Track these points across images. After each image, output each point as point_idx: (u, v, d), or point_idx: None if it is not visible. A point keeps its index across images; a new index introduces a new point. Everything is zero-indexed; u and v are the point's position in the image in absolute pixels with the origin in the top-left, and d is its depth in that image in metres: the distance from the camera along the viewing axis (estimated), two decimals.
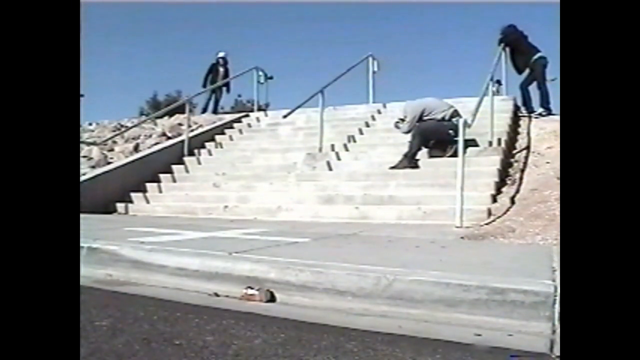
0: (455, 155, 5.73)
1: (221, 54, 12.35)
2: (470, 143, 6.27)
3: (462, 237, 4.10)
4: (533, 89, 8.22)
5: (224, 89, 12.37)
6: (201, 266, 2.68)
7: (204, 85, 11.97)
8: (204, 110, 11.98)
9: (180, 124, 9.58)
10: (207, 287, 2.54)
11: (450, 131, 6.34)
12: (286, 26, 51.23)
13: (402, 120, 6.88)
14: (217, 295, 2.47)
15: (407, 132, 6.68)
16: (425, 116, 6.57)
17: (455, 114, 6.50)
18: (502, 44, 8.15)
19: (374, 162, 6.85)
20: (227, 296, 2.44)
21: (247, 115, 10.41)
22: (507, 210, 5.06)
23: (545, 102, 8.05)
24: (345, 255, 2.92)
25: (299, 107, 7.83)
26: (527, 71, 8.21)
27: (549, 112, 7.96)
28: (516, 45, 8.24)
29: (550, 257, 2.94)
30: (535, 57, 8.10)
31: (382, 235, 4.17)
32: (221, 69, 12.20)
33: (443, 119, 6.50)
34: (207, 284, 2.57)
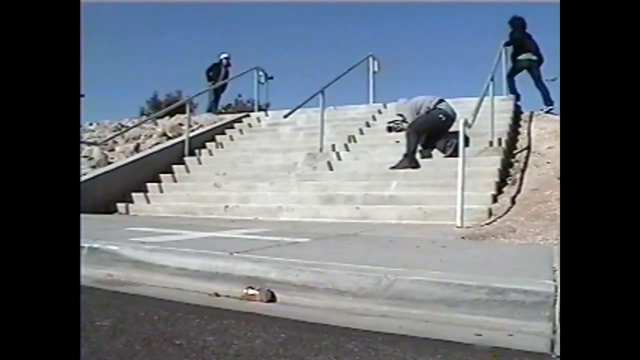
0: (455, 155, 5.73)
1: (224, 55, 12.38)
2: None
3: (462, 237, 4.10)
4: (524, 85, 8.73)
5: (222, 88, 12.41)
6: (202, 266, 2.68)
7: (209, 79, 12.04)
8: (209, 110, 12.02)
9: (180, 124, 9.58)
10: (207, 287, 2.54)
11: (440, 116, 6.50)
12: (286, 26, 51.22)
13: (402, 119, 6.93)
14: (217, 295, 2.47)
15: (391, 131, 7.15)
16: (417, 114, 6.67)
17: (440, 101, 6.68)
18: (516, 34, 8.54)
19: (375, 162, 6.85)
20: (227, 296, 2.44)
21: (247, 115, 10.42)
22: (508, 210, 5.06)
23: (514, 91, 8.72)
24: (346, 255, 2.92)
25: (299, 107, 7.84)
26: (519, 67, 8.63)
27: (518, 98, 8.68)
28: (526, 38, 8.63)
29: (551, 257, 2.94)
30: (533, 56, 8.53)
31: (383, 235, 4.17)
32: (222, 70, 12.23)
33: (428, 109, 6.63)
34: (208, 284, 2.57)
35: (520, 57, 8.52)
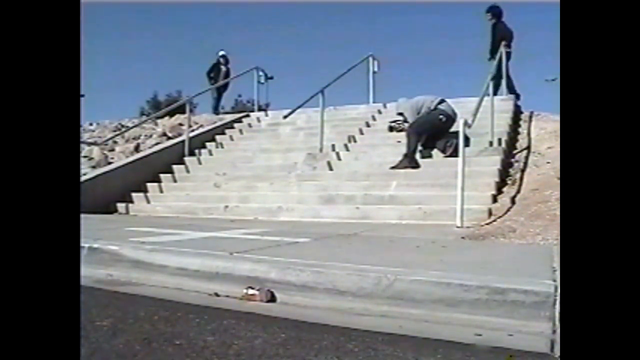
0: (455, 155, 5.73)
1: (221, 53, 12.42)
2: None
3: (462, 237, 4.10)
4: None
5: (224, 87, 12.45)
6: (202, 266, 2.68)
7: (210, 80, 12.07)
8: (215, 109, 12.03)
9: (180, 124, 9.59)
10: (207, 287, 2.54)
11: (441, 116, 6.54)
12: (286, 26, 51.25)
13: (404, 119, 6.94)
14: (217, 295, 2.47)
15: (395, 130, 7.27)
16: (418, 114, 6.69)
17: (441, 101, 6.69)
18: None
19: (375, 162, 6.85)
20: (227, 296, 2.44)
21: (247, 115, 10.42)
22: (508, 210, 5.06)
23: (514, 90, 8.58)
24: (346, 255, 2.92)
25: (299, 107, 7.84)
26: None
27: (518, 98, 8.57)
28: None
29: (551, 257, 2.94)
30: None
31: (383, 235, 4.17)
32: (223, 68, 12.26)
33: (429, 109, 6.64)
34: (208, 284, 2.57)
35: (508, 50, 8.28)
